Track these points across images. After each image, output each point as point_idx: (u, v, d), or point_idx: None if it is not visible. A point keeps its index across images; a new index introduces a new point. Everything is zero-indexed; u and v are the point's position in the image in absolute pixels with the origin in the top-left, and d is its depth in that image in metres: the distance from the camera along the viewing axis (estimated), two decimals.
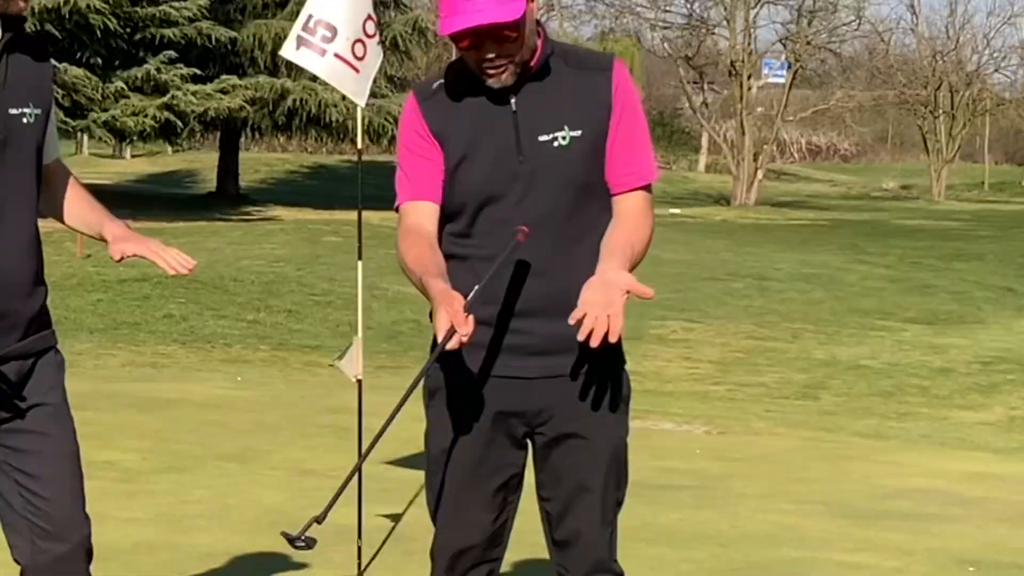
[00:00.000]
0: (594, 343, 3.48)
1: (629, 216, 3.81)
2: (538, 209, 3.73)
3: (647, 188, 3.86)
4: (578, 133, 3.77)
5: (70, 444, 3.77)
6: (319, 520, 3.64)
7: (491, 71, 3.73)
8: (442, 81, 3.87)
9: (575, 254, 3.76)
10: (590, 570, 3.88)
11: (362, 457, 3.96)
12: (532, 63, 3.79)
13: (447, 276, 3.66)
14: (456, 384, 3.85)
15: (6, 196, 3.61)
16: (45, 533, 3.69)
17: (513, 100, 3.79)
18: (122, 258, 3.73)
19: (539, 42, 3.81)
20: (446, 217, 3.85)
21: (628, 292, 3.55)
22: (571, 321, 3.50)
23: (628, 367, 4.03)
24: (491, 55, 3.70)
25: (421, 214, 3.82)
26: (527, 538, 4.38)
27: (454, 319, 3.47)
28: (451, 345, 3.49)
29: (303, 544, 3.58)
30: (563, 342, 3.76)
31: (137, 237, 3.77)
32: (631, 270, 3.66)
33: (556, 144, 3.76)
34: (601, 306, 3.49)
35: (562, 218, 3.76)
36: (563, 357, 3.79)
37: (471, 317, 3.49)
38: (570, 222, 3.77)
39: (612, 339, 3.49)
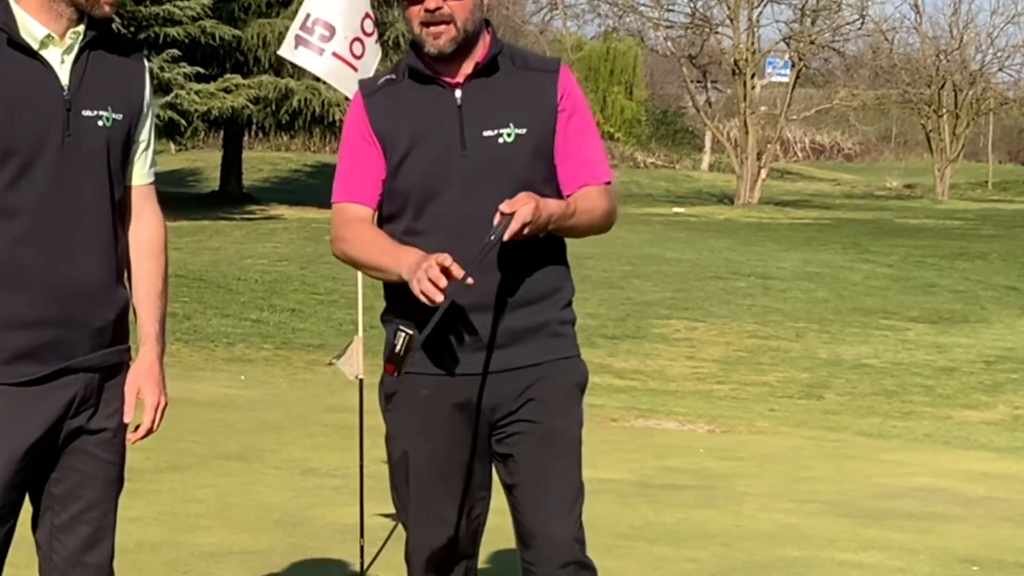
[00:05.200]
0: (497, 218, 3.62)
1: (583, 192, 3.84)
2: (481, 205, 3.71)
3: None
4: (523, 131, 3.79)
5: (115, 471, 3.63)
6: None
7: (431, 28, 3.73)
8: (389, 76, 3.88)
9: (521, 251, 3.75)
10: (559, 564, 3.83)
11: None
12: (480, 59, 3.81)
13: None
14: (413, 385, 3.85)
15: (76, 201, 3.47)
16: (67, 552, 3.60)
17: (459, 94, 3.80)
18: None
19: (487, 38, 3.84)
20: (391, 215, 3.85)
21: (536, 212, 3.60)
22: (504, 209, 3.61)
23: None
24: (434, 7, 3.71)
25: (357, 213, 3.86)
26: (510, 535, 4.36)
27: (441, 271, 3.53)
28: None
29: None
30: (511, 336, 3.80)
31: (154, 382, 3.62)
32: (566, 223, 3.74)
33: (501, 140, 3.78)
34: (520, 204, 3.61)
35: None
36: (512, 351, 3.81)
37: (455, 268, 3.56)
38: None
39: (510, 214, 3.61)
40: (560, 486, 3.83)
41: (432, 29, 3.73)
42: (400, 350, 3.57)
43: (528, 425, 3.82)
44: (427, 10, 3.71)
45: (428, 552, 3.88)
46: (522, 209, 3.61)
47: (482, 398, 3.82)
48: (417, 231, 3.80)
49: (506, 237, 3.61)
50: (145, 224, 3.66)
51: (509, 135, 3.78)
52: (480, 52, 3.82)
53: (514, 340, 3.80)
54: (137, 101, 3.61)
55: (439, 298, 3.52)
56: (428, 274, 3.53)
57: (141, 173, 3.66)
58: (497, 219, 3.64)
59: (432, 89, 3.81)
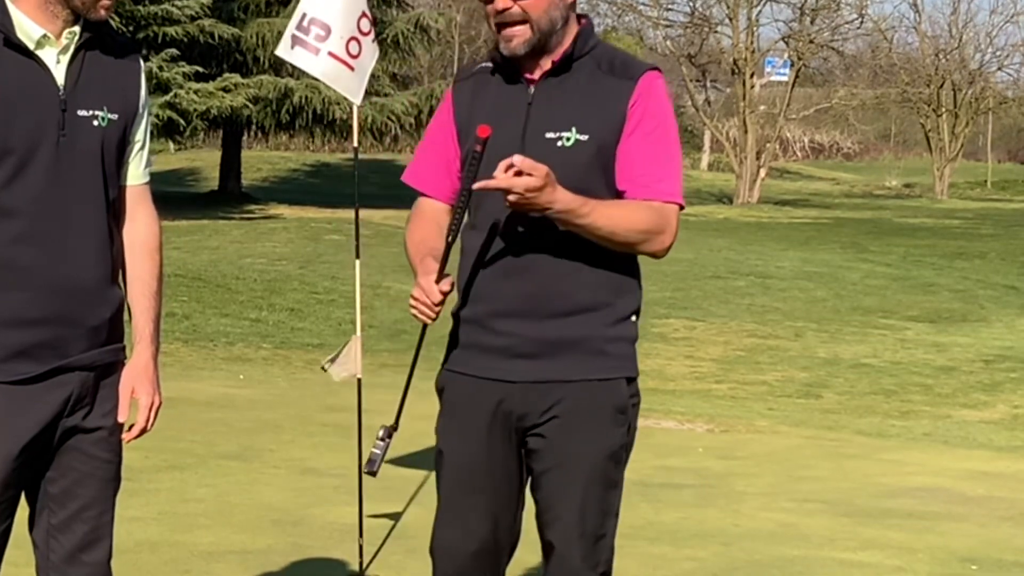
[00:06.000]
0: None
1: (624, 201, 3.70)
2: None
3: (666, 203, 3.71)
4: (585, 137, 3.67)
5: (111, 469, 3.64)
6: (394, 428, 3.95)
7: (504, 31, 3.66)
8: (484, 64, 3.83)
9: (564, 257, 3.67)
10: None
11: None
12: (557, 57, 3.72)
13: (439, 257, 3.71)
14: (452, 386, 3.83)
15: (72, 200, 3.48)
16: (64, 551, 3.60)
17: (532, 91, 3.73)
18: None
19: (570, 39, 3.73)
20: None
21: (543, 187, 3.51)
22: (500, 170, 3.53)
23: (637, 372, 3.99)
24: (503, 7, 3.64)
25: (436, 210, 3.86)
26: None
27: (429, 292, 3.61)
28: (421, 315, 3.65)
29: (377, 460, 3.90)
30: (544, 347, 3.70)
31: (148, 381, 3.64)
32: (576, 220, 3.59)
33: (560, 144, 3.67)
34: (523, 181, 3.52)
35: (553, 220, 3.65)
36: (544, 363, 3.72)
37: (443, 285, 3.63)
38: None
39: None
40: (572, 510, 3.74)
41: (505, 32, 3.65)
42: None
43: (546, 443, 3.75)
44: (497, 11, 3.64)
45: (448, 553, 3.83)
46: (525, 179, 3.49)
47: (511, 407, 3.74)
48: (474, 226, 3.76)
49: (475, 186, 3.56)
50: (140, 224, 3.67)
51: (569, 139, 3.66)
52: (560, 49, 3.72)
53: (547, 352, 3.70)
54: (133, 101, 3.62)
55: (429, 321, 3.67)
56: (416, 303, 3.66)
57: (136, 173, 3.66)
58: (504, 165, 3.52)
59: (512, 82, 3.74)
